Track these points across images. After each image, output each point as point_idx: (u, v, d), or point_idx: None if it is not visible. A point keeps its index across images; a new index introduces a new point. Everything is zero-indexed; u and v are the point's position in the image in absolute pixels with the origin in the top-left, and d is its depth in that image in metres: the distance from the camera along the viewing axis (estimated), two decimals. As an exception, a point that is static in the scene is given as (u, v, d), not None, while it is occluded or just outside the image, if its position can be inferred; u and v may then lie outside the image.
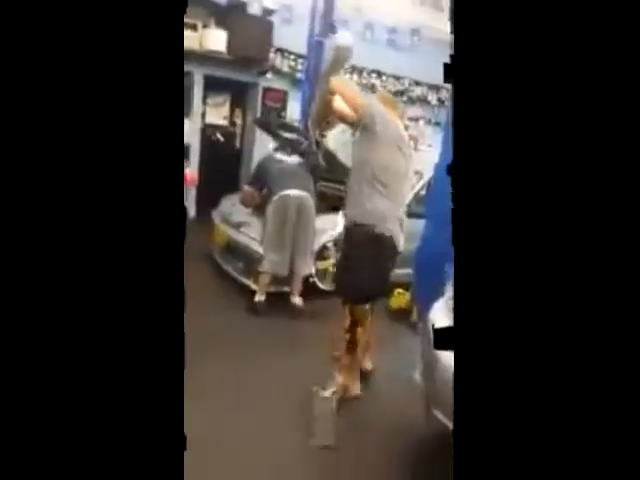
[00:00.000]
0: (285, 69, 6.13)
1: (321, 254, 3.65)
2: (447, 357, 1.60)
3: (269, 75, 6.11)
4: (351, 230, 2.30)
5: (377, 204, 2.18)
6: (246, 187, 3.67)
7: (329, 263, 3.70)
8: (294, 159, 3.55)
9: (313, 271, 3.51)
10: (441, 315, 1.80)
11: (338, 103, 2.31)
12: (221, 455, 1.88)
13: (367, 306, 2.35)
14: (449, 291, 1.93)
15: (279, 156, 3.58)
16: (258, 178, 3.52)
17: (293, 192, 3.24)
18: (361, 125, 2.16)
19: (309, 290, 3.55)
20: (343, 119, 2.41)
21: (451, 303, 1.83)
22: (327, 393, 2.14)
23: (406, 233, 3.76)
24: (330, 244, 3.67)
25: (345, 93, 2.27)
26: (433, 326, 1.74)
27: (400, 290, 3.60)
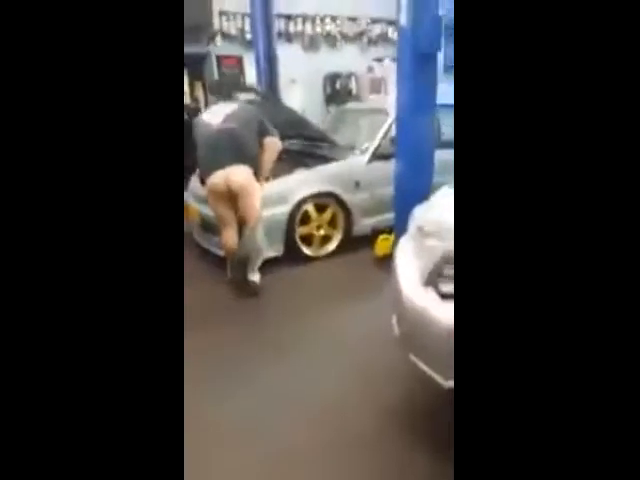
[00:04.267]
0: (233, 32, 5.88)
1: (300, 218, 3.53)
2: (416, 299, 1.55)
3: (219, 41, 5.87)
4: None
5: None
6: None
7: (312, 227, 3.61)
8: (220, 117, 2.96)
9: (263, 246, 3.16)
10: (406, 250, 1.75)
11: None
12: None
13: None
14: (411, 226, 1.88)
15: (206, 118, 3.03)
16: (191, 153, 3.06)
17: (220, 173, 2.85)
18: None
19: (294, 256, 3.51)
20: None
21: (418, 237, 1.78)
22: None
23: (382, 176, 3.71)
24: (310, 208, 3.56)
25: None
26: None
27: (384, 235, 3.54)
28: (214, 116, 2.99)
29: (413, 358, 1.56)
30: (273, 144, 3.06)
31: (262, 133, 3.01)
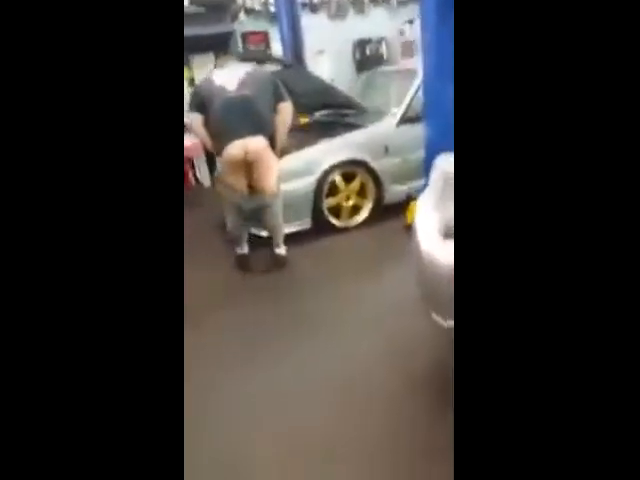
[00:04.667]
0: (257, 7, 5.77)
1: (328, 189, 3.42)
2: (436, 253, 1.44)
3: (243, 17, 5.77)
4: None
5: None
6: (190, 116, 2.93)
7: (340, 198, 3.50)
8: (234, 82, 2.81)
9: (281, 222, 3.11)
10: (426, 204, 1.61)
11: None
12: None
13: None
14: (432, 177, 1.73)
15: (219, 82, 2.83)
16: (199, 107, 2.87)
17: (238, 143, 2.76)
18: None
19: (323, 228, 3.44)
20: None
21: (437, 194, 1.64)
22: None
23: (413, 139, 3.51)
24: (337, 178, 3.45)
25: None
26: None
27: (414, 202, 3.36)
28: (227, 80, 2.83)
29: (435, 317, 1.44)
30: (287, 109, 2.93)
31: (277, 98, 2.88)
